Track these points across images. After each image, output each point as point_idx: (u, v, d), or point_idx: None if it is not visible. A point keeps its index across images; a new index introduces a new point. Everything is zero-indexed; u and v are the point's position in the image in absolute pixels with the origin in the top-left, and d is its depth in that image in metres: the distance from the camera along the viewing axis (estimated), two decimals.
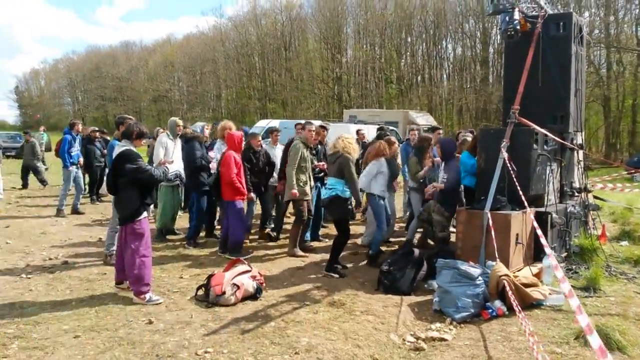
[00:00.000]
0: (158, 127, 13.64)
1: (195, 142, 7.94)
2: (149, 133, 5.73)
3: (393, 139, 7.39)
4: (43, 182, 14.98)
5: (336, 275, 6.26)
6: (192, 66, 61.55)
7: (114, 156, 5.45)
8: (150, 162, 8.85)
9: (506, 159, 6.00)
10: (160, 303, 5.14)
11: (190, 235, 7.70)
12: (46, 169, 15.68)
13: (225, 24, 59.18)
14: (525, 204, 5.75)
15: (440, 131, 9.09)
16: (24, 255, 7.05)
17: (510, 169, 5.94)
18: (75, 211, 10.36)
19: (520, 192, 5.76)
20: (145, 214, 5.31)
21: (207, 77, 60.18)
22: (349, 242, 8.06)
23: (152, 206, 5.55)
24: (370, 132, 12.27)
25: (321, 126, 8.46)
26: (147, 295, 5.18)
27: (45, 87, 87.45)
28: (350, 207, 6.46)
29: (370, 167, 7.11)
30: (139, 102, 67.40)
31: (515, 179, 5.87)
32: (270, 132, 9.07)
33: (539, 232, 5.08)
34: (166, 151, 7.87)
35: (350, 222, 9.54)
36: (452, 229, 7.77)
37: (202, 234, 8.19)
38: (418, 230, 7.92)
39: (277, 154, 8.50)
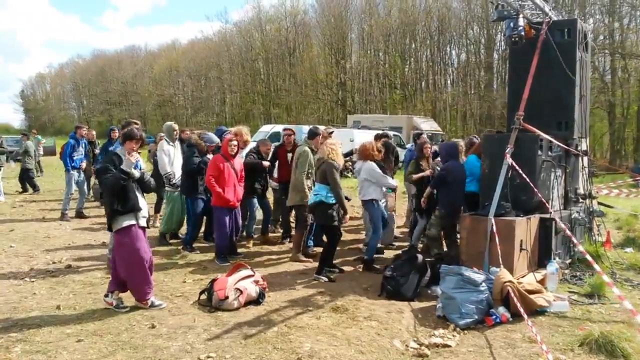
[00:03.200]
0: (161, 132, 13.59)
1: (195, 149, 7.92)
2: (143, 136, 5.33)
3: (381, 147, 7.36)
4: (34, 187, 14.67)
5: (324, 279, 6.26)
6: (197, 71, 61.82)
7: None
8: (155, 167, 8.89)
9: (516, 166, 6.00)
10: (163, 307, 5.12)
11: (187, 240, 7.70)
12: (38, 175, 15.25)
13: (230, 29, 59.52)
14: (548, 206, 5.89)
15: (424, 135, 9.10)
16: (27, 258, 7.06)
17: (517, 175, 5.96)
18: (80, 215, 10.38)
19: (540, 196, 5.82)
20: (129, 221, 4.95)
21: (211, 82, 60.40)
22: (352, 247, 8.10)
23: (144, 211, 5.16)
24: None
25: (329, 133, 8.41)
26: (150, 300, 5.12)
27: (51, 91, 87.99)
28: (334, 213, 6.37)
29: (362, 173, 7.14)
30: (144, 106, 67.69)
31: (528, 184, 5.89)
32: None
33: (568, 232, 5.32)
34: (169, 158, 7.89)
35: (352, 228, 9.64)
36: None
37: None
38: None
39: None
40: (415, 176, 7.72)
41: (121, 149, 5.14)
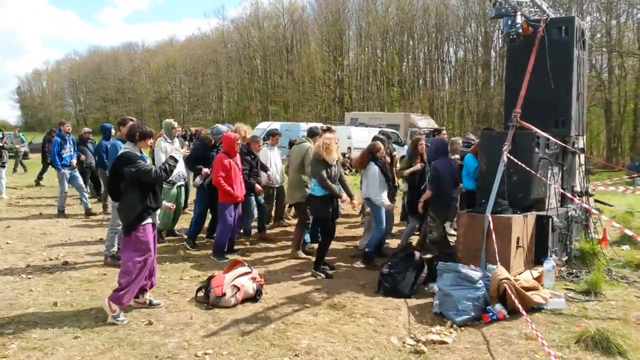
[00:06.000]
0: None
1: (202, 143, 7.94)
2: (154, 133, 5.22)
3: (379, 145, 7.30)
4: None
5: (322, 275, 6.27)
6: (194, 68, 61.71)
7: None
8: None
9: (516, 161, 6.01)
10: (125, 323, 4.64)
11: (190, 234, 7.70)
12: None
13: (228, 26, 59.45)
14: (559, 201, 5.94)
15: (444, 132, 8.99)
16: (24, 255, 7.04)
17: (514, 172, 5.98)
18: (89, 213, 10.13)
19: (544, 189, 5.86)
20: (149, 219, 4.86)
21: (208, 79, 60.35)
22: (349, 245, 8.10)
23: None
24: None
25: (328, 128, 8.38)
26: (118, 311, 4.69)
27: (47, 87, 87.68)
28: (325, 205, 6.34)
29: (364, 174, 7.19)
30: (141, 103, 67.55)
31: (525, 181, 5.91)
32: (270, 135, 9.10)
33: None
34: (166, 155, 7.90)
35: (350, 225, 9.65)
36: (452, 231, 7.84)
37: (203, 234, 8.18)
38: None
39: (273, 155, 8.67)
40: (407, 171, 7.64)
41: (132, 146, 4.87)
